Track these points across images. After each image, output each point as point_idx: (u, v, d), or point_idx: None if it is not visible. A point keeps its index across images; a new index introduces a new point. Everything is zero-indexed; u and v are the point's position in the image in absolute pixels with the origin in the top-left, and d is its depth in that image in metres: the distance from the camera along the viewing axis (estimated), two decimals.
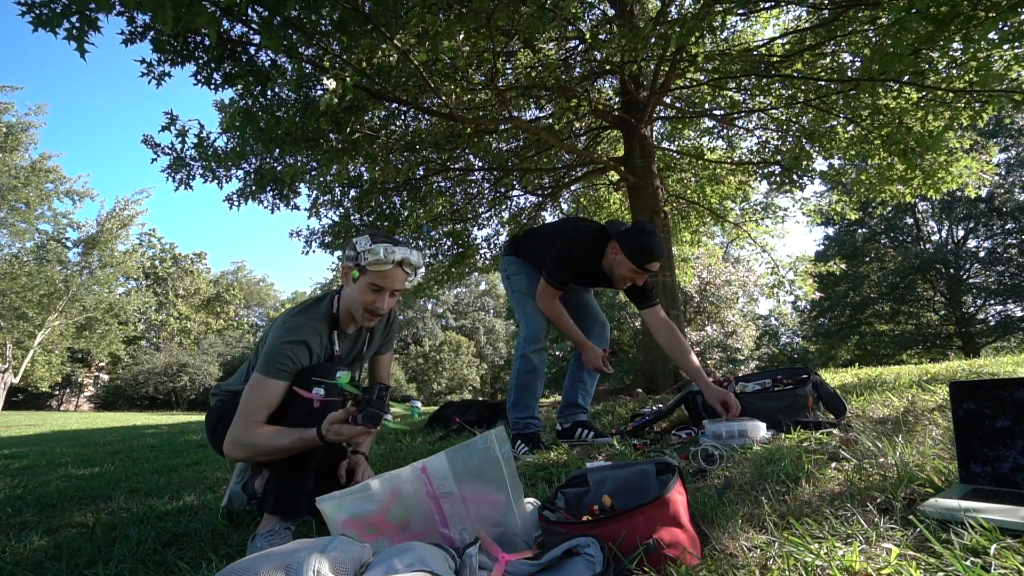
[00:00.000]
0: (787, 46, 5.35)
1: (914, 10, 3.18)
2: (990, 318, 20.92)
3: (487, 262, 8.72)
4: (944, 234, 22.36)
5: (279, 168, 5.20)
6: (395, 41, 3.95)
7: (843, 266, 9.19)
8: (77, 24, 2.66)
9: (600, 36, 5.26)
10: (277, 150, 4.86)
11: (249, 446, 1.46)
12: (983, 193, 7.63)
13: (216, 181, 5.21)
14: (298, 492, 1.47)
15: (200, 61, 4.13)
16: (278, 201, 5.69)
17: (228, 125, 4.77)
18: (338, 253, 7.23)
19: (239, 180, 5.38)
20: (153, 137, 4.91)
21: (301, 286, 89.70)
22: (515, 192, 7.93)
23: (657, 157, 6.72)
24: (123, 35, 3.80)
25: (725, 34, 6.38)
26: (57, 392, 29.78)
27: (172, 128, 4.53)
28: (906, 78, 4.41)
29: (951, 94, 4.48)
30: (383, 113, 5.81)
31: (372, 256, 1.52)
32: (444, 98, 4.65)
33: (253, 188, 5.35)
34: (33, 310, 18.70)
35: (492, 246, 8.69)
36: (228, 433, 1.48)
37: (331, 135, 4.86)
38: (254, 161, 5.24)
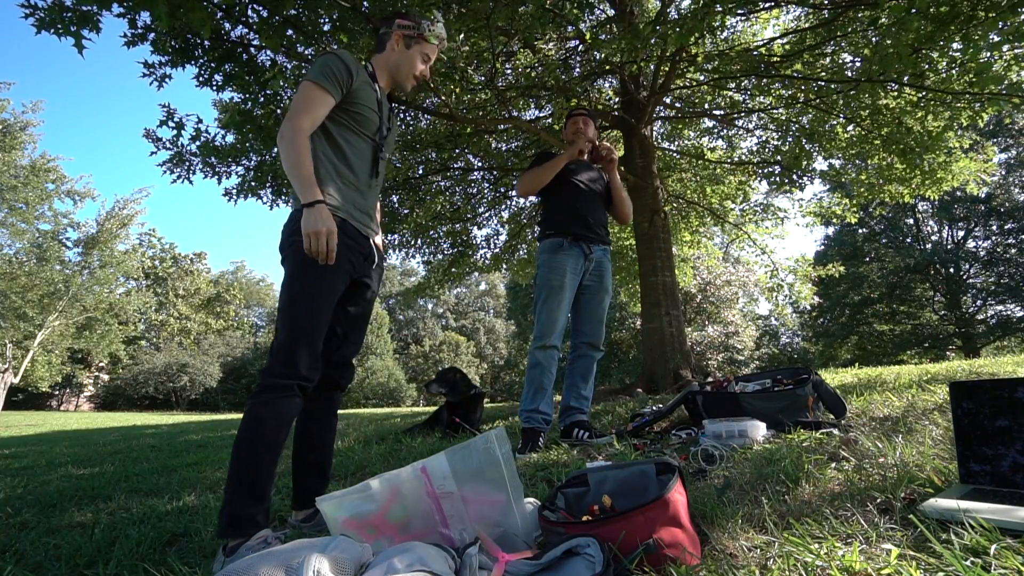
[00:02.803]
0: (787, 46, 5.35)
1: (914, 10, 3.19)
2: (990, 318, 20.93)
3: (487, 262, 8.71)
4: (944, 234, 22.38)
5: (278, 164, 5.19)
6: None
7: (843, 269, 9.15)
8: (74, 19, 2.67)
9: (600, 36, 5.26)
10: (276, 148, 4.87)
11: (290, 141, 1.51)
12: (982, 193, 7.62)
13: (216, 177, 5.22)
14: (252, 505, 1.39)
15: (200, 62, 4.13)
16: (276, 197, 5.69)
17: (227, 122, 4.77)
18: None
19: (238, 176, 5.38)
20: (155, 131, 4.92)
21: None
22: (515, 192, 7.94)
23: (657, 157, 6.72)
24: (125, 37, 3.81)
25: (725, 34, 6.38)
26: (57, 392, 29.74)
27: (170, 122, 4.52)
28: (906, 78, 4.41)
29: (950, 94, 4.48)
30: None
31: (438, 30, 1.79)
32: (444, 98, 4.65)
33: (253, 183, 5.34)
34: (33, 310, 18.72)
35: (492, 246, 8.69)
36: (289, 121, 1.52)
37: None
38: (254, 158, 5.24)
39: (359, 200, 1.68)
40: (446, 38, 1.83)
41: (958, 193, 6.02)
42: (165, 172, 5.13)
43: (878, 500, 1.16)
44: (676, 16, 5.41)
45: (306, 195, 1.48)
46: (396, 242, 7.75)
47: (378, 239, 1.80)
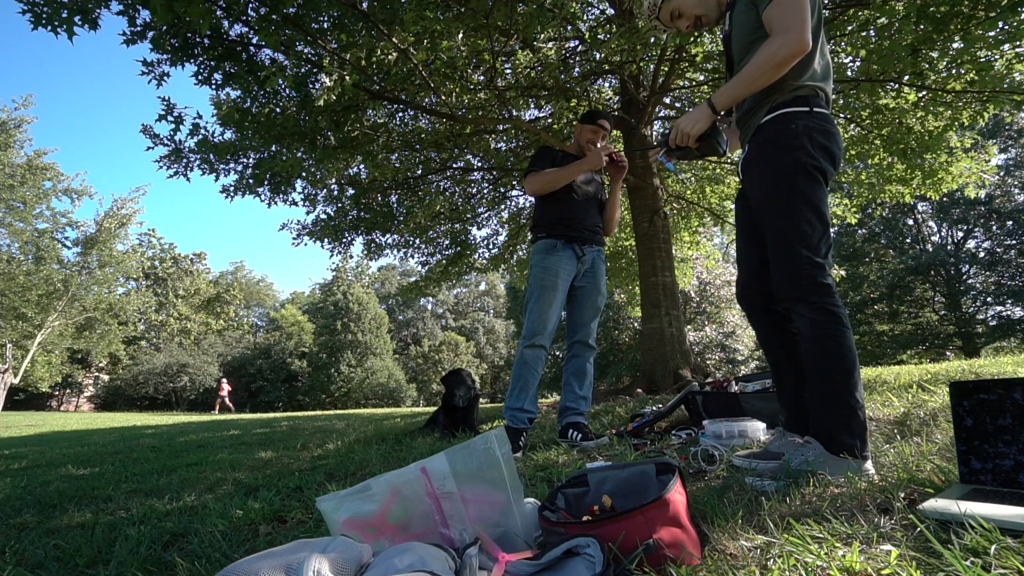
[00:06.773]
0: None
1: (911, 13, 3.19)
2: (990, 319, 20.95)
3: (485, 262, 8.71)
4: (943, 235, 22.39)
5: (284, 158, 5.13)
6: (393, 39, 3.95)
7: (843, 273, 9.13)
8: (70, 12, 2.68)
9: (599, 36, 5.26)
10: (275, 145, 4.85)
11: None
12: (982, 195, 7.62)
13: (213, 174, 5.18)
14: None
15: (200, 60, 4.12)
16: (274, 195, 5.66)
17: (225, 119, 4.76)
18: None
19: (236, 173, 5.35)
20: (152, 127, 4.89)
21: (300, 286, 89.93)
22: (515, 192, 7.94)
23: None
24: (124, 35, 3.80)
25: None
26: (57, 392, 29.74)
27: (169, 116, 4.51)
28: (906, 78, 4.41)
29: (951, 94, 4.48)
30: (383, 112, 5.80)
31: None
32: (443, 97, 4.65)
33: (251, 181, 5.31)
34: (32, 310, 18.65)
35: (491, 246, 8.68)
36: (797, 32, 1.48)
37: (328, 133, 4.85)
38: (253, 156, 5.21)
39: None
40: None
41: (958, 194, 6.01)
42: (161, 167, 5.10)
43: (878, 500, 1.16)
44: None
45: None
46: (394, 242, 7.74)
47: None
